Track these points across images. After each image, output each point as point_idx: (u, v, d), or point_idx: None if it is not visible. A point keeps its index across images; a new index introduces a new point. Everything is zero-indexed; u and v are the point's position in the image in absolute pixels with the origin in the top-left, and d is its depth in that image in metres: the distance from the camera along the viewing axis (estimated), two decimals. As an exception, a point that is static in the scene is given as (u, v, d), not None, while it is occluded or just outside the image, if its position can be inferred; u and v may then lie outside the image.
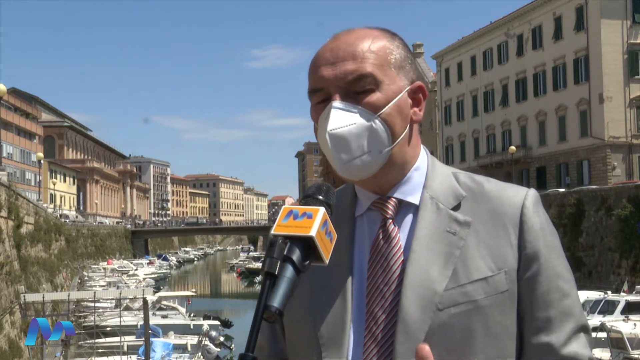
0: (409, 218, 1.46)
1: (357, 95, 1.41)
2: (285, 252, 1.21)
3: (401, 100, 1.44)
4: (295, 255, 1.21)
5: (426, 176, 1.49)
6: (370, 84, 1.41)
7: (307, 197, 1.32)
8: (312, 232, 1.23)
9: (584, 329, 1.42)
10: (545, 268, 1.41)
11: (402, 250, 1.43)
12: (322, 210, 1.26)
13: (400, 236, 1.44)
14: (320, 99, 1.45)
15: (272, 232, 1.25)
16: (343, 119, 1.39)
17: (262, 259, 1.27)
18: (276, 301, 1.17)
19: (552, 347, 1.39)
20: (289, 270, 1.20)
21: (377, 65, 1.42)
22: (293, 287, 1.20)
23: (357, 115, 1.40)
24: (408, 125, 1.47)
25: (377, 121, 1.40)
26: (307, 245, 1.23)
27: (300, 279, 1.22)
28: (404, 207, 1.47)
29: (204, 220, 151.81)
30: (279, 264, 1.20)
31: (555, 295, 1.40)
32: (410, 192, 1.48)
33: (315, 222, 1.24)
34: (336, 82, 1.41)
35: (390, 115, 1.42)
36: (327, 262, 1.26)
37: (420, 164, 1.50)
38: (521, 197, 1.45)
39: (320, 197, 1.31)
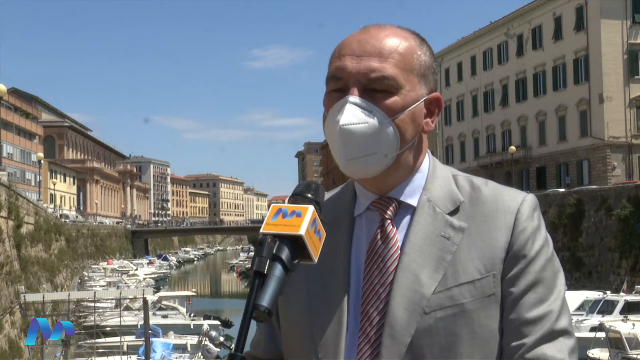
0: (406, 219, 1.46)
1: (375, 93, 1.39)
2: (274, 251, 1.20)
3: (417, 109, 1.43)
4: (284, 254, 1.20)
5: (426, 179, 1.48)
6: (391, 87, 1.39)
7: (295, 195, 1.31)
8: (301, 231, 1.22)
9: (563, 333, 1.37)
10: (526, 272, 1.38)
11: (399, 251, 1.42)
12: (311, 208, 1.25)
13: (398, 237, 1.44)
14: (336, 87, 1.43)
15: (261, 230, 1.24)
16: (357, 116, 1.38)
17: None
18: (265, 300, 1.16)
19: (519, 349, 1.36)
20: (278, 269, 1.19)
21: (401, 68, 1.41)
22: (282, 286, 1.19)
23: (371, 115, 1.38)
24: (418, 135, 1.46)
25: (390, 125, 1.39)
26: (296, 243, 1.22)
27: (289, 278, 1.21)
28: (402, 208, 1.47)
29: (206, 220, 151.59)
30: (268, 263, 1.19)
31: (530, 300, 1.37)
32: (410, 194, 1.47)
33: (305, 221, 1.23)
34: (357, 77, 1.40)
35: (403, 122, 1.41)
36: (315, 260, 1.25)
37: (422, 167, 1.50)
38: (518, 202, 1.44)
39: (309, 195, 1.30)
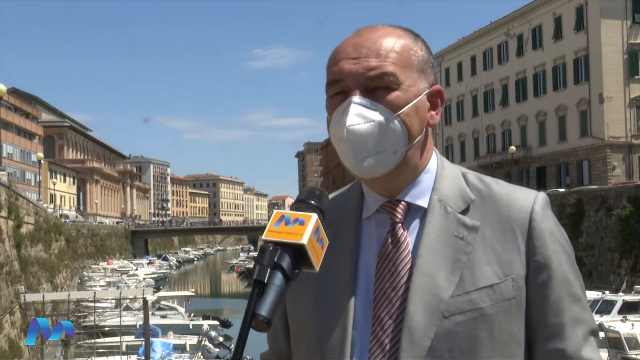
0: (417, 222, 1.45)
1: (376, 92, 1.39)
2: (275, 259, 1.18)
3: (420, 103, 1.43)
4: (286, 263, 1.18)
5: (435, 178, 1.47)
6: (392, 83, 1.39)
7: (299, 202, 1.29)
8: (304, 240, 1.20)
9: (594, 333, 1.42)
10: (556, 274, 1.39)
11: (410, 255, 1.41)
12: (314, 216, 1.23)
13: (409, 240, 1.43)
14: (337, 90, 1.42)
15: (263, 237, 1.22)
16: (362, 116, 1.37)
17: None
18: (264, 310, 1.14)
19: (565, 353, 1.38)
20: (279, 278, 1.17)
21: (399, 65, 1.41)
22: (282, 295, 1.17)
23: (376, 113, 1.38)
24: (424, 129, 1.46)
25: (395, 121, 1.39)
26: (298, 252, 1.20)
27: (289, 287, 1.19)
28: (412, 210, 1.46)
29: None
30: (268, 272, 1.17)
31: (566, 302, 1.39)
32: (420, 195, 1.46)
33: (307, 229, 1.21)
34: (357, 77, 1.39)
35: (408, 116, 1.40)
36: (317, 269, 1.23)
37: (430, 166, 1.49)
38: (530, 201, 1.43)
39: (313, 202, 1.28)
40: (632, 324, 21.24)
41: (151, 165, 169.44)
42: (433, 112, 1.47)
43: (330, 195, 1.55)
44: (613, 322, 22.06)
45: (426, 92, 1.45)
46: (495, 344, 1.36)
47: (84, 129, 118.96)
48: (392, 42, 1.42)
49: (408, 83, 1.41)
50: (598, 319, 22.95)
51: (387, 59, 1.40)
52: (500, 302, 1.37)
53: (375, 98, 1.39)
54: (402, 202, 1.45)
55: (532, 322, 1.40)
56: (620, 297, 25.77)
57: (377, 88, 1.39)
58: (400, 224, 1.44)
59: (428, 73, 1.46)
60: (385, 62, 1.40)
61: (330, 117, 1.43)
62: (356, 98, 1.38)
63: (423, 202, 1.45)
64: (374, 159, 1.38)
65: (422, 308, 1.36)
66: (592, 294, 27.32)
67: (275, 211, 1.26)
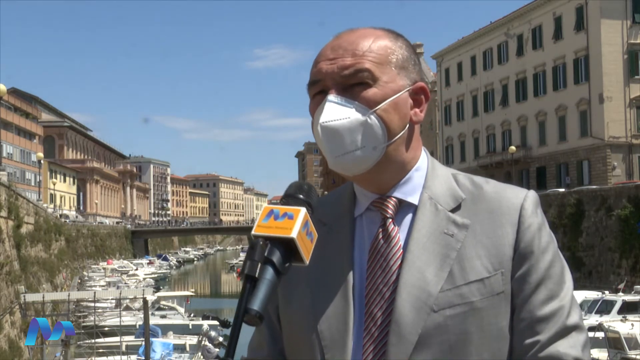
0: (408, 218, 1.45)
1: (353, 89, 1.40)
2: (265, 254, 1.19)
3: (400, 99, 1.43)
4: (276, 257, 1.19)
5: (426, 177, 1.48)
6: (367, 79, 1.40)
7: (287, 196, 1.29)
8: (293, 234, 1.20)
9: (574, 328, 1.39)
10: (535, 269, 1.39)
11: (401, 250, 1.41)
12: (303, 210, 1.23)
13: (400, 236, 1.43)
14: (317, 90, 1.44)
15: (253, 232, 1.22)
16: (337, 112, 1.38)
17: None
18: (256, 304, 1.15)
19: (533, 347, 1.37)
20: (269, 273, 1.18)
21: (376, 63, 1.41)
22: (274, 290, 1.18)
23: (352, 110, 1.38)
24: (407, 125, 1.45)
25: (372, 117, 1.39)
26: (287, 246, 1.21)
27: (280, 281, 1.20)
28: (404, 207, 1.46)
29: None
30: (259, 266, 1.18)
31: (541, 297, 1.38)
32: (410, 192, 1.46)
33: (297, 223, 1.21)
34: (333, 76, 1.41)
35: (386, 112, 1.40)
36: (307, 263, 1.23)
37: (420, 165, 1.49)
38: (520, 198, 1.44)
39: (301, 197, 1.28)
40: (632, 324, 21.22)
41: (151, 165, 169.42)
42: (417, 109, 1.47)
43: (325, 196, 1.57)
44: (613, 322, 22.05)
45: (408, 88, 1.45)
46: (484, 338, 1.36)
47: (84, 129, 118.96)
48: (369, 42, 1.43)
49: (385, 79, 1.41)
50: (598, 319, 22.99)
51: (363, 57, 1.41)
52: (490, 296, 1.37)
53: (351, 95, 1.40)
54: (393, 198, 1.45)
55: (512, 316, 1.39)
56: (620, 297, 25.76)
57: (354, 85, 1.40)
58: (391, 220, 1.44)
59: (410, 70, 1.46)
60: (360, 60, 1.40)
61: (313, 119, 1.44)
62: (331, 96, 1.39)
63: (414, 199, 1.46)
64: (353, 155, 1.38)
65: (411, 302, 1.36)
66: (592, 294, 27.35)
67: (264, 206, 1.27)
